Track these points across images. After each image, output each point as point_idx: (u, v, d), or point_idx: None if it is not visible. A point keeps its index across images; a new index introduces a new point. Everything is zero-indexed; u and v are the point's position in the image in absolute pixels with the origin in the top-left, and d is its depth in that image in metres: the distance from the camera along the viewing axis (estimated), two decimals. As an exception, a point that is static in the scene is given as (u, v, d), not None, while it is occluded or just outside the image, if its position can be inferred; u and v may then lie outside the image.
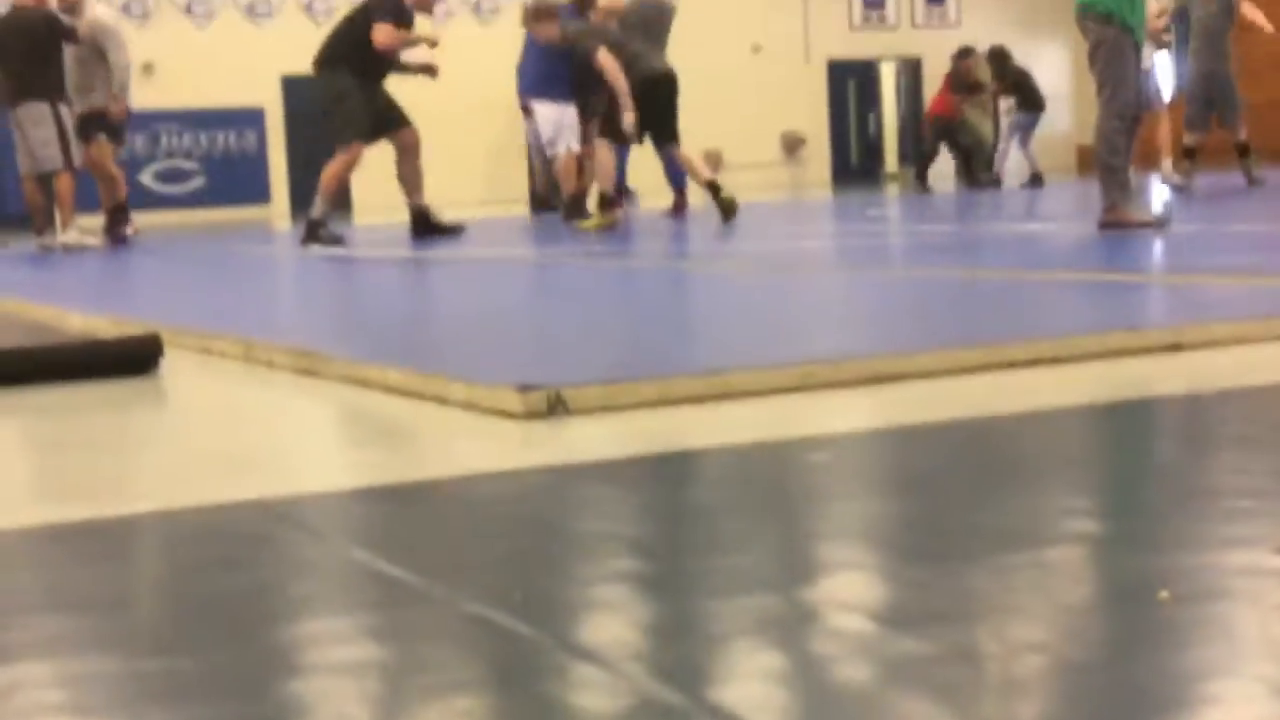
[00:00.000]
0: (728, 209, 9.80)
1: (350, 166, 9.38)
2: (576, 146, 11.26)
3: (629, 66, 9.95)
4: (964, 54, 16.92)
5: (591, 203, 10.84)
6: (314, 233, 9.34)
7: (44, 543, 2.15)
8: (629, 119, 9.89)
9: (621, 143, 10.26)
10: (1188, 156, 11.12)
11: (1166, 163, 11.89)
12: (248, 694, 1.42)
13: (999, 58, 15.92)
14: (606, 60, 9.88)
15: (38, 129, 10.43)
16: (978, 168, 16.18)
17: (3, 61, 10.45)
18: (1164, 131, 12.10)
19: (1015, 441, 2.60)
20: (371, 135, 9.39)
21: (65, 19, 10.64)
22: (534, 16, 10.59)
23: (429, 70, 9.74)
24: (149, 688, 1.45)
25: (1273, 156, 17.31)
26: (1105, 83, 6.76)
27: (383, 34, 9.11)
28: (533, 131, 12.07)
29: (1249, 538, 1.81)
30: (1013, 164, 15.91)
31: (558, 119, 11.34)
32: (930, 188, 15.87)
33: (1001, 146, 16.11)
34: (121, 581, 1.95)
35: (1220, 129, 11.14)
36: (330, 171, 9.34)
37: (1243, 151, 11.13)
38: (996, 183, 15.28)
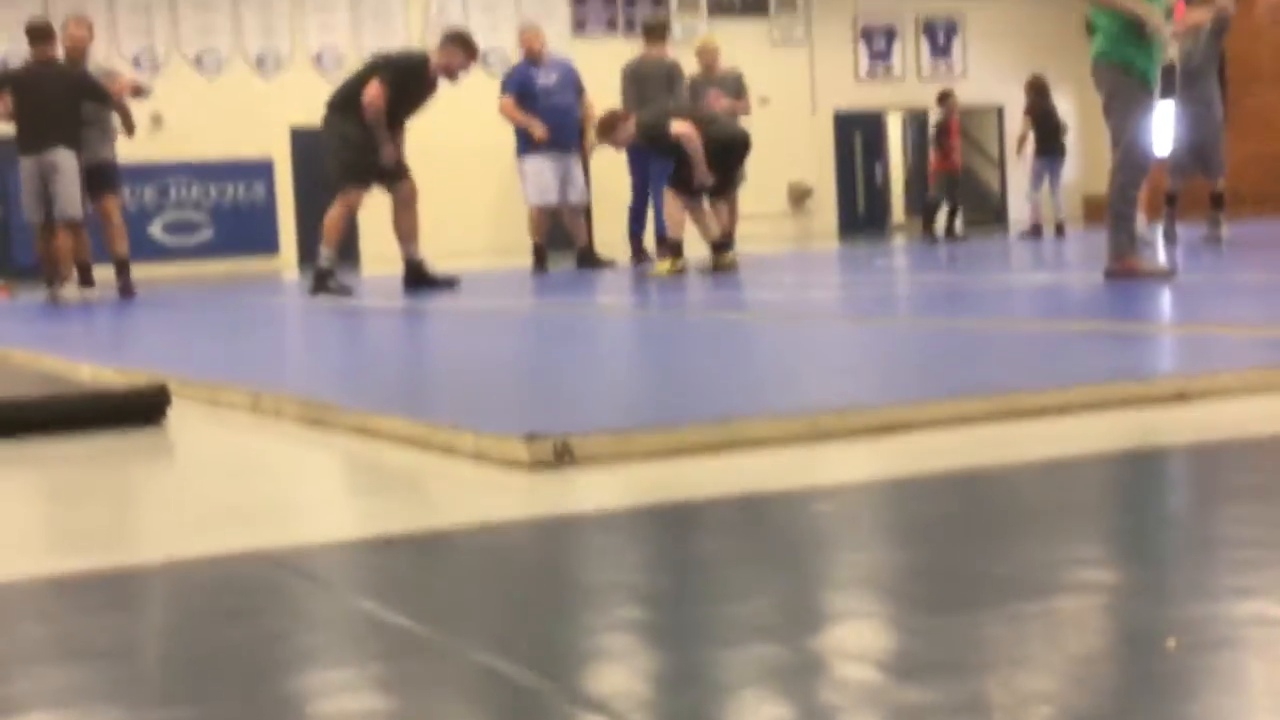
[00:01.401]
0: (721, 267, 10.12)
1: (350, 212, 9.37)
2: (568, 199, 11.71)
3: (705, 129, 10.11)
4: (943, 98, 17.29)
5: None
6: (322, 282, 9.34)
7: (51, 593, 2.15)
8: (703, 174, 10.07)
9: (690, 196, 10.36)
10: (1168, 203, 11.12)
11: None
12: (254, 744, 1.42)
13: (1034, 88, 16.06)
14: (683, 128, 10.01)
15: (68, 177, 10.48)
16: (952, 221, 16.71)
17: (35, 109, 10.50)
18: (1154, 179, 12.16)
19: (1023, 491, 2.59)
20: (369, 182, 9.39)
21: (98, 81, 10.79)
22: (605, 131, 10.60)
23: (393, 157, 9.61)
24: (155, 738, 1.45)
25: (1257, 206, 17.39)
26: (1122, 133, 6.77)
27: (370, 91, 9.11)
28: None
29: (1258, 587, 1.80)
30: (1016, 211, 16.16)
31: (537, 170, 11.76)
32: (938, 238, 16.09)
33: (1027, 194, 16.36)
34: (128, 631, 1.94)
35: (1202, 177, 11.08)
36: (331, 218, 9.33)
37: (1216, 203, 11.03)
38: (1036, 231, 15.49)
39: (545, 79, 11.91)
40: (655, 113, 10.68)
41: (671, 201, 10.41)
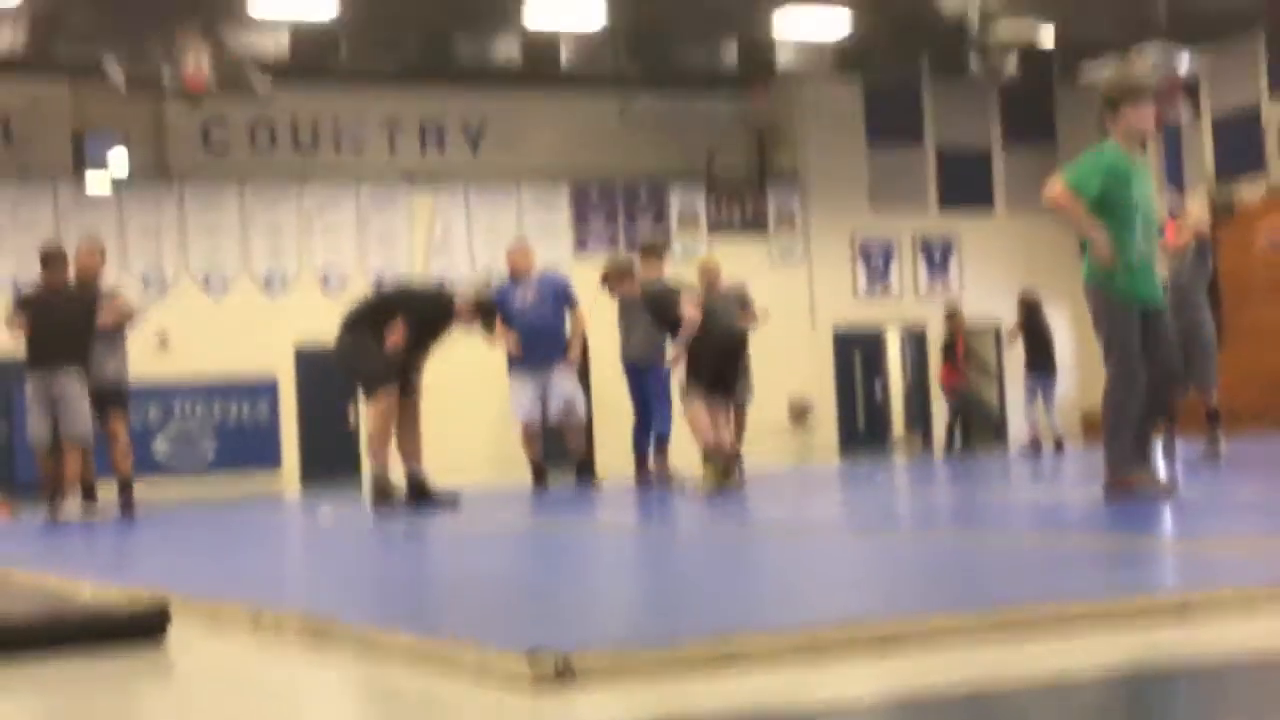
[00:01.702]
0: (719, 480, 9.89)
1: (389, 414, 9.48)
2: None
3: (706, 320, 10.21)
4: (950, 316, 17.92)
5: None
6: (383, 494, 9.44)
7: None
8: (673, 356, 10.17)
9: (702, 388, 10.28)
10: (1167, 420, 11.17)
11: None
12: None
13: (1025, 305, 16.44)
14: (694, 314, 10.12)
15: (76, 397, 10.59)
16: (966, 433, 17.30)
17: (46, 331, 10.65)
18: None
19: (1025, 712, 2.58)
20: (395, 381, 9.52)
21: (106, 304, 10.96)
22: (609, 278, 10.84)
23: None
24: None
25: (1254, 422, 17.51)
26: (1110, 348, 6.85)
27: (393, 336, 9.38)
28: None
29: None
30: (1016, 427, 16.43)
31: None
32: (955, 450, 16.62)
33: (1025, 410, 16.65)
34: None
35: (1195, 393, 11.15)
36: (372, 431, 9.50)
37: (1212, 419, 11.07)
38: (1035, 447, 15.69)
39: (523, 298, 12.07)
40: (669, 285, 10.75)
41: (693, 410, 10.20)
